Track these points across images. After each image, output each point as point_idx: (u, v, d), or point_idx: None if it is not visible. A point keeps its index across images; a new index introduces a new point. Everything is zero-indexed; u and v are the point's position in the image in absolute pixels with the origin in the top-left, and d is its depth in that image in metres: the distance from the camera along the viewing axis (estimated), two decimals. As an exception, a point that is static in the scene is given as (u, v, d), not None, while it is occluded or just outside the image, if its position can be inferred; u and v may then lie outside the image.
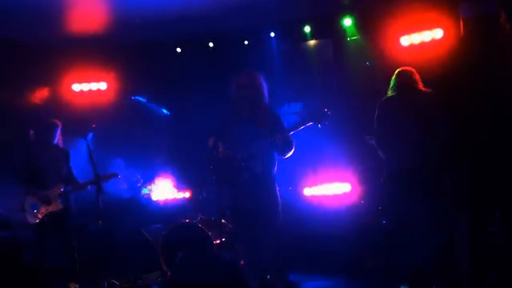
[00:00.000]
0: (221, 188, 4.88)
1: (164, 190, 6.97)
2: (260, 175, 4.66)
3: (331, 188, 6.40)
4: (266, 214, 4.70)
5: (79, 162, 5.87)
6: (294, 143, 4.65)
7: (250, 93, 4.71)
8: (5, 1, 5.58)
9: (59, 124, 5.80)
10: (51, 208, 5.54)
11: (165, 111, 7.63)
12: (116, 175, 5.71)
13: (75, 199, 5.83)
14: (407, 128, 4.48)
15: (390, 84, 4.77)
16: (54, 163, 5.65)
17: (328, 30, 6.80)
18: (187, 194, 6.81)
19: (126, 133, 7.24)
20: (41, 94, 7.12)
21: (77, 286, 5.49)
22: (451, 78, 5.54)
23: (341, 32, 6.69)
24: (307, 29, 6.82)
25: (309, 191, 6.48)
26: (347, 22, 6.59)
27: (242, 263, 5.45)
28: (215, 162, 4.76)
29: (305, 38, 6.92)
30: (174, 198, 6.98)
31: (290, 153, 4.70)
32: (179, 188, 6.94)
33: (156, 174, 7.00)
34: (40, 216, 5.51)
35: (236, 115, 4.79)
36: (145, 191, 6.98)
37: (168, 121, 7.46)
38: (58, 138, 5.78)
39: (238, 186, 4.71)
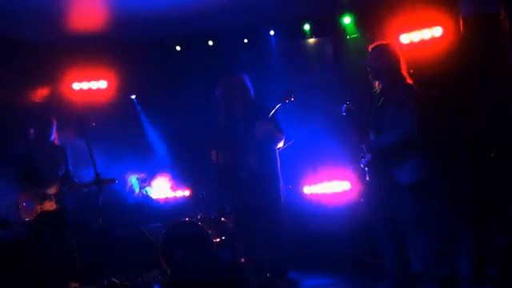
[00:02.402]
0: (222, 189, 4.93)
1: (161, 189, 6.98)
2: (258, 171, 4.68)
3: (331, 186, 6.41)
4: (266, 210, 4.71)
5: (79, 161, 5.87)
6: (278, 131, 4.68)
7: (237, 93, 4.80)
8: (5, 0, 5.58)
9: (54, 121, 5.81)
10: (45, 207, 5.53)
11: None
12: (114, 181, 5.66)
13: (76, 198, 5.83)
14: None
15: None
16: (50, 161, 5.65)
17: (328, 28, 6.81)
18: (187, 193, 6.83)
19: (124, 131, 7.27)
20: (41, 93, 7.12)
21: (77, 284, 5.50)
22: (451, 76, 5.55)
23: (340, 30, 6.70)
24: (307, 27, 6.83)
25: (308, 189, 6.49)
26: (347, 20, 6.59)
27: (242, 261, 5.48)
28: (217, 170, 4.82)
29: (304, 36, 6.92)
30: (174, 197, 6.99)
31: (280, 141, 4.75)
32: (177, 187, 6.95)
33: (153, 174, 7.02)
34: (34, 214, 5.51)
35: (227, 117, 4.85)
36: (143, 191, 7.01)
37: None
38: (53, 136, 5.79)
39: (237, 184, 4.74)
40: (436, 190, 4.24)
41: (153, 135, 7.44)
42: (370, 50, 4.31)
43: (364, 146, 4.33)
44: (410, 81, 4.20)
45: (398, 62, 4.20)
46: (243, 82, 4.91)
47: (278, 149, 4.98)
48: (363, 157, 4.35)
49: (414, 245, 4.17)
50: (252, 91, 4.94)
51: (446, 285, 4.30)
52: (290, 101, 4.67)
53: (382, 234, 4.28)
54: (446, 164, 4.65)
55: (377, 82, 4.27)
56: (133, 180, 6.95)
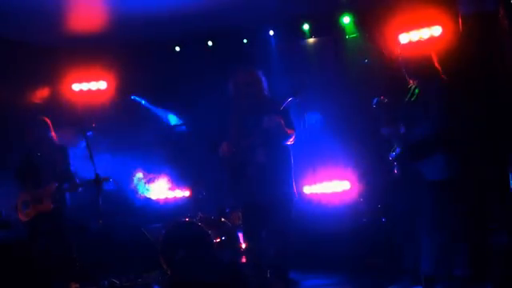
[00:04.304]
0: (228, 185, 4.88)
1: (160, 190, 6.98)
2: (266, 167, 4.59)
3: (331, 186, 6.40)
4: (274, 210, 4.64)
5: (80, 162, 5.87)
6: (288, 126, 4.64)
7: (250, 90, 4.72)
8: (5, 1, 5.58)
9: (47, 121, 5.79)
10: (41, 207, 5.51)
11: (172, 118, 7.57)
12: (108, 179, 5.59)
13: (75, 199, 5.82)
14: None
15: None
16: (48, 161, 5.61)
17: (327, 27, 6.80)
18: (187, 193, 6.82)
19: (123, 132, 7.27)
20: (41, 94, 7.13)
21: (77, 285, 5.50)
22: (450, 75, 5.53)
23: (340, 30, 6.70)
24: (306, 27, 6.83)
25: (308, 189, 6.48)
26: (346, 19, 6.59)
27: (242, 261, 5.47)
28: (226, 164, 4.77)
29: (304, 36, 6.92)
30: (174, 197, 6.99)
31: (290, 138, 4.67)
32: (175, 187, 6.95)
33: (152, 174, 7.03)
34: (30, 215, 5.51)
35: (238, 113, 4.79)
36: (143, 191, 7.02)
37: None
38: (50, 135, 5.77)
39: (245, 181, 4.66)
40: (459, 189, 4.25)
41: (152, 135, 7.44)
42: (399, 51, 4.42)
43: (394, 140, 4.37)
44: (443, 76, 4.28)
45: (430, 57, 4.31)
46: (253, 76, 4.81)
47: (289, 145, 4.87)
48: (393, 150, 4.38)
49: (429, 243, 4.18)
50: (265, 85, 4.82)
51: (449, 284, 4.29)
52: (301, 95, 4.64)
53: (402, 232, 4.31)
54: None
55: (411, 80, 4.37)
56: (136, 180, 6.95)
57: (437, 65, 4.31)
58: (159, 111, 7.54)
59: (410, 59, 4.35)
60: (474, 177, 4.94)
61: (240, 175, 4.71)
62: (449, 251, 4.28)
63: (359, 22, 6.57)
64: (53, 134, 5.78)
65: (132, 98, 7.57)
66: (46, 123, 5.77)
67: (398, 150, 4.36)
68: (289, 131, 4.65)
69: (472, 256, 4.63)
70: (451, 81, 4.30)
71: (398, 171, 4.43)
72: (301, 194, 6.37)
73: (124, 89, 7.44)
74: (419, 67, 4.30)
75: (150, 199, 7.01)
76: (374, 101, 4.49)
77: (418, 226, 4.30)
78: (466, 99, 5.07)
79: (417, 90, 4.30)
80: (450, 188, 4.18)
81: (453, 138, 4.22)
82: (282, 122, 4.56)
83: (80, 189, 5.59)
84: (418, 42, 4.45)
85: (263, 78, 4.81)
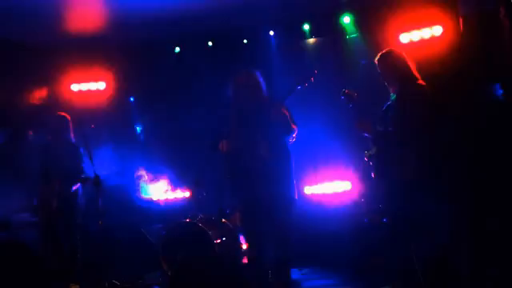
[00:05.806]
0: (228, 183, 4.86)
1: (160, 191, 6.97)
2: (268, 162, 4.57)
3: (332, 186, 6.40)
4: (277, 206, 4.63)
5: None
6: (293, 119, 4.64)
7: (249, 91, 4.73)
8: (4, 1, 5.57)
9: (68, 117, 5.74)
10: (47, 207, 5.50)
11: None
12: (96, 178, 5.51)
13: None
14: None
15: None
16: (59, 159, 5.52)
17: (327, 28, 6.83)
18: (187, 194, 6.81)
19: (123, 132, 7.27)
20: (40, 95, 7.11)
21: (77, 286, 5.49)
22: (450, 75, 5.54)
23: (340, 30, 6.70)
24: (306, 27, 6.84)
25: (309, 190, 6.48)
26: (346, 19, 6.60)
27: (243, 262, 5.45)
28: (227, 161, 4.76)
29: (304, 36, 6.93)
30: (175, 198, 6.98)
31: (294, 132, 4.66)
32: (175, 188, 6.94)
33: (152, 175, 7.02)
34: (40, 215, 5.49)
35: (238, 115, 4.79)
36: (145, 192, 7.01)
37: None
38: (68, 133, 5.71)
39: (247, 175, 4.64)
40: (434, 188, 4.24)
41: (152, 136, 7.43)
42: (376, 61, 4.39)
43: (370, 139, 4.35)
44: (421, 81, 4.23)
45: (405, 65, 4.26)
46: (252, 78, 4.81)
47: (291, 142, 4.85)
48: (368, 150, 4.37)
49: (414, 244, 4.18)
50: (263, 86, 4.84)
51: (446, 285, 4.29)
52: (310, 82, 4.65)
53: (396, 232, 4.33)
54: (444, 163, 4.63)
55: (391, 88, 4.34)
56: (138, 180, 6.95)
57: (414, 71, 4.26)
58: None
59: (384, 70, 4.32)
60: (468, 177, 4.94)
61: (241, 171, 4.70)
62: (447, 251, 4.27)
63: (359, 22, 6.58)
64: (71, 132, 5.73)
65: (131, 100, 7.58)
66: (67, 120, 5.72)
67: (373, 150, 4.35)
68: (293, 125, 4.67)
69: (471, 256, 4.63)
70: (430, 86, 4.24)
71: (375, 172, 4.42)
72: (301, 195, 6.41)
73: (123, 89, 7.43)
74: (394, 77, 4.27)
75: (150, 200, 7.00)
76: (341, 93, 4.51)
77: (408, 226, 4.27)
78: (449, 100, 5.08)
79: (393, 96, 4.30)
80: (424, 188, 4.16)
81: (426, 141, 4.19)
82: (288, 114, 4.58)
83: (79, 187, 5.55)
84: (396, 51, 4.44)
85: (261, 79, 4.83)
